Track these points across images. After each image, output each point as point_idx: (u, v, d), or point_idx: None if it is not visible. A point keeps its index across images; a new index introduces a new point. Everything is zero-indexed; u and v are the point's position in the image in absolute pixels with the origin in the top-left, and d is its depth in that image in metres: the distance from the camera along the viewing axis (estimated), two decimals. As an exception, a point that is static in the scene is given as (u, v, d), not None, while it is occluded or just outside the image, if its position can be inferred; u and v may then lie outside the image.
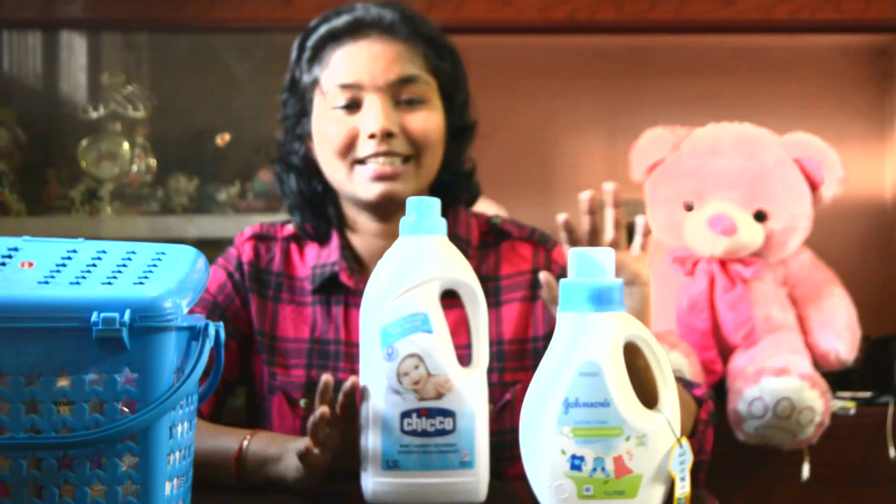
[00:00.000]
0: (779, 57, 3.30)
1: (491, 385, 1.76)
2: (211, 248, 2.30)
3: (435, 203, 1.54)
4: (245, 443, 1.73)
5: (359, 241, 1.95)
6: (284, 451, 1.69)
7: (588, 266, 1.37)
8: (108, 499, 1.27)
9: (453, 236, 1.89)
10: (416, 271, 1.51)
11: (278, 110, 2.01)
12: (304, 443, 1.58)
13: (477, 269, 1.89)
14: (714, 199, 2.68)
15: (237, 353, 1.94)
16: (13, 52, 3.15)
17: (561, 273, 1.93)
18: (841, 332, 2.71)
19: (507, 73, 3.24)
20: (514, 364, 1.90)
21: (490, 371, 1.81)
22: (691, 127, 2.79)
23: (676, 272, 2.71)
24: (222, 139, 3.13)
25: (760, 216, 2.67)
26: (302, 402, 1.89)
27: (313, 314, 1.92)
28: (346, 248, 1.93)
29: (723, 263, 2.67)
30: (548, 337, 1.90)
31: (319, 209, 1.95)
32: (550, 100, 3.31)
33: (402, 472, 1.50)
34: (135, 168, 3.07)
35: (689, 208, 2.70)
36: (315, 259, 1.94)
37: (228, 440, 1.74)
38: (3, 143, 3.04)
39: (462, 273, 1.54)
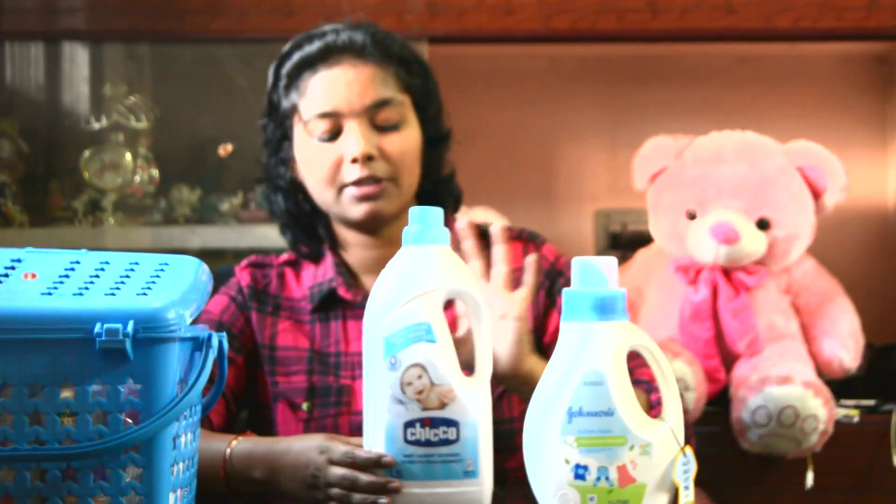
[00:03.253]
0: (781, 65, 3.30)
1: None
2: (213, 258, 2.31)
3: (437, 213, 1.54)
4: (235, 443, 1.74)
5: (350, 256, 2.02)
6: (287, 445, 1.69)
7: (591, 275, 1.37)
8: (112, 510, 1.27)
9: None
10: (419, 281, 1.51)
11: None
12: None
13: None
14: (717, 208, 2.67)
15: (245, 368, 1.99)
16: (15, 63, 3.15)
17: (550, 269, 1.99)
18: (844, 340, 2.71)
19: (509, 82, 3.24)
20: None
21: None
22: (694, 135, 2.79)
23: (679, 281, 2.70)
24: (225, 150, 3.13)
25: (763, 224, 2.67)
26: (304, 406, 1.94)
27: (311, 330, 1.99)
28: (341, 265, 2.01)
29: (726, 272, 2.66)
30: (536, 327, 1.93)
31: (309, 227, 2.03)
32: (552, 109, 3.31)
33: (405, 483, 1.49)
34: (137, 179, 3.07)
35: (692, 217, 2.70)
36: (312, 280, 2.02)
37: (218, 442, 1.75)
38: (6, 154, 3.04)
39: (465, 283, 1.54)
